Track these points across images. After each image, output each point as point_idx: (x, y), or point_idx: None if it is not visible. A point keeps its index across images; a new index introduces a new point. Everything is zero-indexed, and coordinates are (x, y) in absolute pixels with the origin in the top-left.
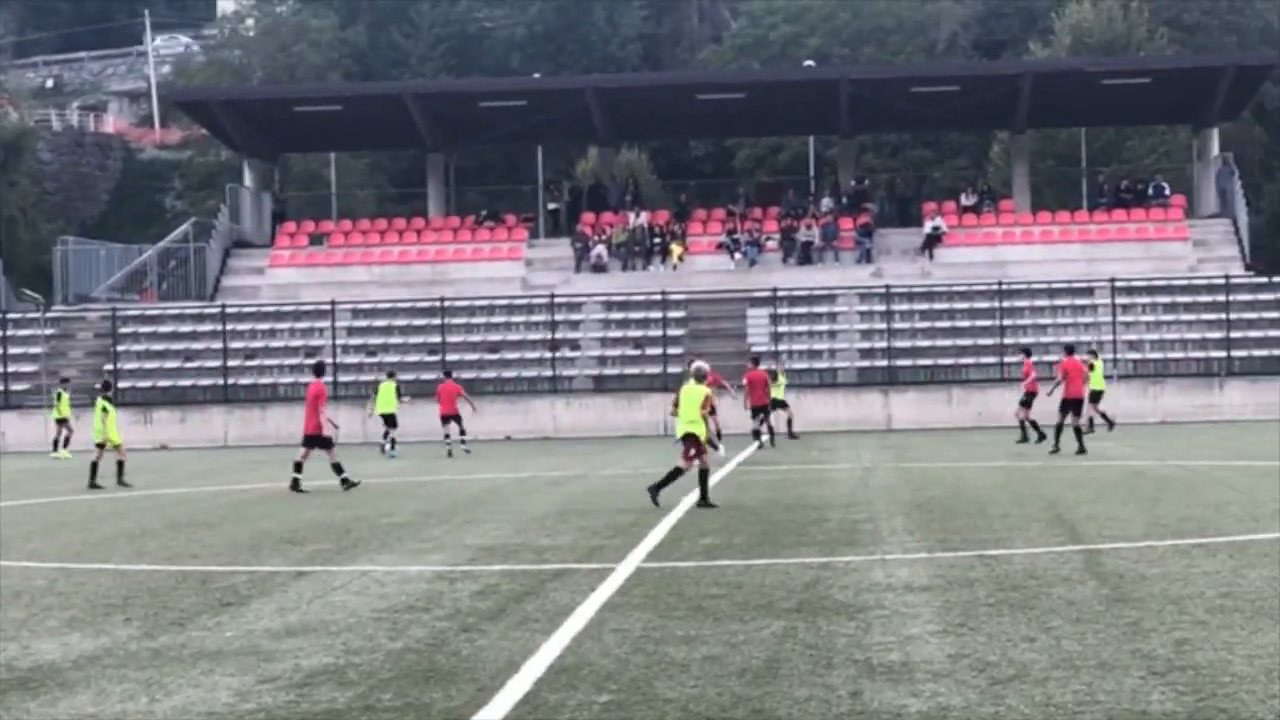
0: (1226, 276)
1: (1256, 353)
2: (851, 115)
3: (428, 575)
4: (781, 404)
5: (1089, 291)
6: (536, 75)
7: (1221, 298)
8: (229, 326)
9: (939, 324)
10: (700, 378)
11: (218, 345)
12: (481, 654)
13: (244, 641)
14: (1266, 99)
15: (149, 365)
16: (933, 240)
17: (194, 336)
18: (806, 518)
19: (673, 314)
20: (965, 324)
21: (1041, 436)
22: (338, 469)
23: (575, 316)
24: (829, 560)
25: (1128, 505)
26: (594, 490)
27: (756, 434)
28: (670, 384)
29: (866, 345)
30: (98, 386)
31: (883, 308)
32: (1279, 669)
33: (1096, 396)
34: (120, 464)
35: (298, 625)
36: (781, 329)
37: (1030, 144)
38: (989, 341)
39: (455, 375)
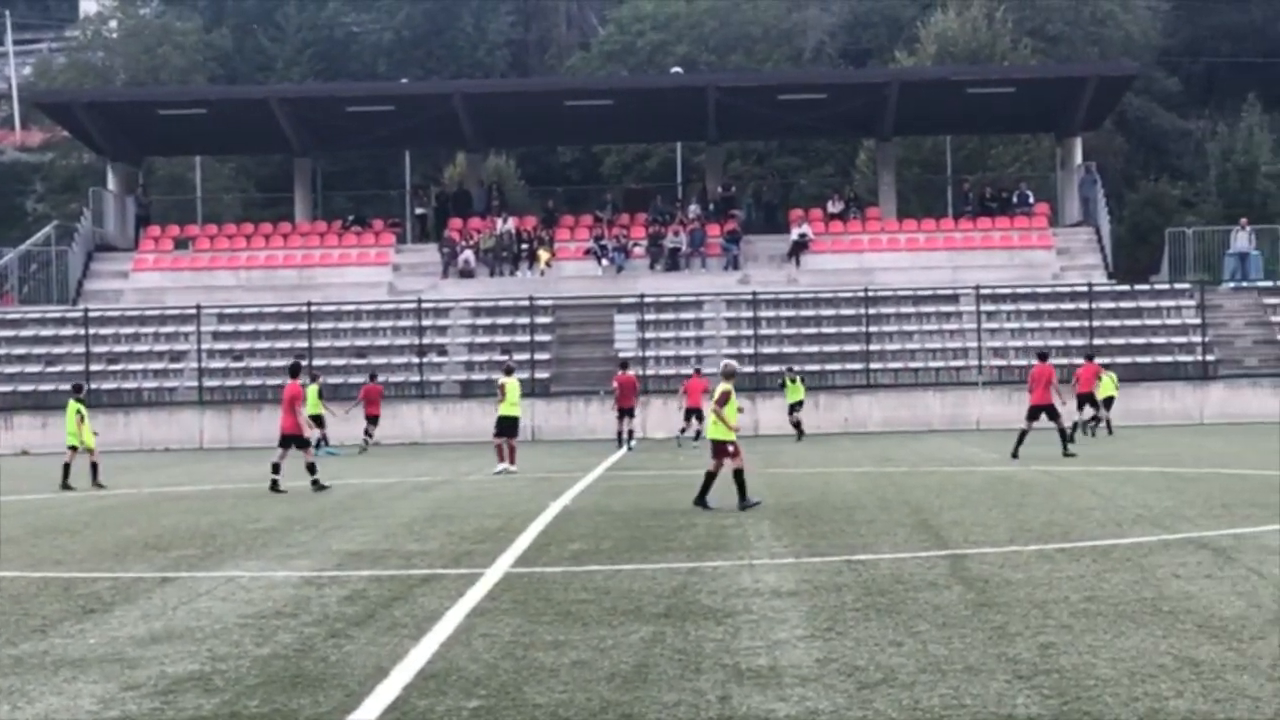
0: (1089, 284)
1: (1119, 359)
2: (719, 122)
3: (295, 581)
4: (798, 404)
5: (954, 299)
6: (404, 80)
7: (1084, 305)
8: (91, 331)
9: (805, 330)
10: (729, 375)
11: (80, 349)
12: (349, 660)
13: (107, 649)
14: (1128, 109)
15: (9, 369)
16: (799, 247)
17: (56, 340)
18: (674, 523)
19: (540, 320)
20: (831, 330)
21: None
22: (311, 469)
23: (443, 322)
24: (697, 565)
25: (992, 510)
26: (462, 495)
27: (620, 436)
28: (538, 389)
29: (733, 351)
30: (70, 389)
31: (749, 314)
32: (1142, 672)
33: (1109, 402)
34: (94, 465)
35: (162, 632)
36: (649, 335)
37: (896, 152)
38: (855, 348)
39: (381, 379)
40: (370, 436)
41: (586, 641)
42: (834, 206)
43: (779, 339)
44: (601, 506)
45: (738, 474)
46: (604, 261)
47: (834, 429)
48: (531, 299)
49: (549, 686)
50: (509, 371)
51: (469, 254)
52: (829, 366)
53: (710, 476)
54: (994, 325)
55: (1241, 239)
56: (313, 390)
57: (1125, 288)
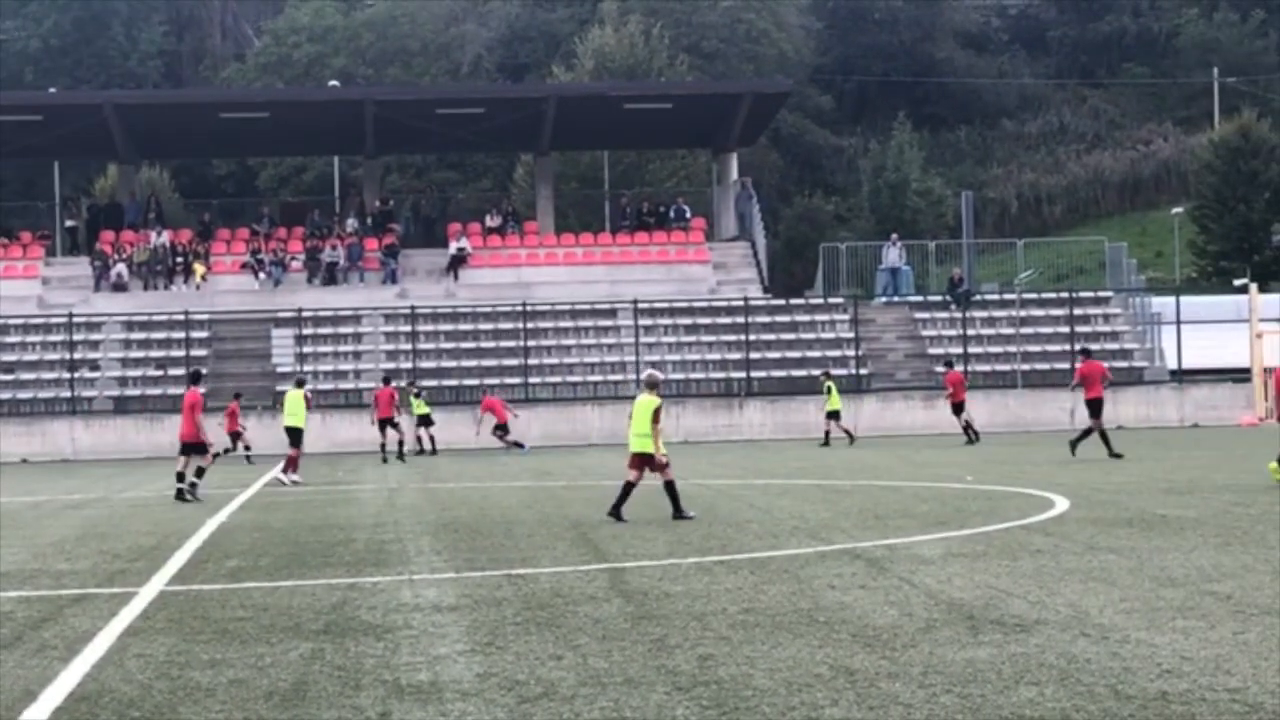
0: (745, 298)
1: (775, 373)
2: (377, 136)
3: None
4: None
5: (612, 313)
6: (52, 90)
7: (741, 319)
8: None
9: (464, 345)
10: (651, 386)
11: None
12: None
13: None
14: (783, 126)
15: None
16: (458, 261)
17: None
18: (333, 538)
19: (196, 334)
20: (490, 345)
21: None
22: (199, 473)
23: (95, 336)
24: (356, 581)
25: (651, 524)
26: (116, 514)
27: (383, 449)
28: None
29: (392, 366)
30: None
31: (408, 328)
32: (798, 681)
33: (835, 415)
34: None
35: None
36: (307, 349)
37: (554, 166)
38: (513, 362)
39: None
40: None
41: (244, 659)
42: (492, 221)
43: (438, 353)
44: (259, 523)
45: (669, 485)
46: (261, 275)
47: (495, 443)
48: (187, 313)
49: (205, 706)
50: (300, 384)
51: (122, 267)
52: (488, 380)
53: (630, 486)
54: (652, 339)
55: (893, 254)
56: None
57: (780, 302)
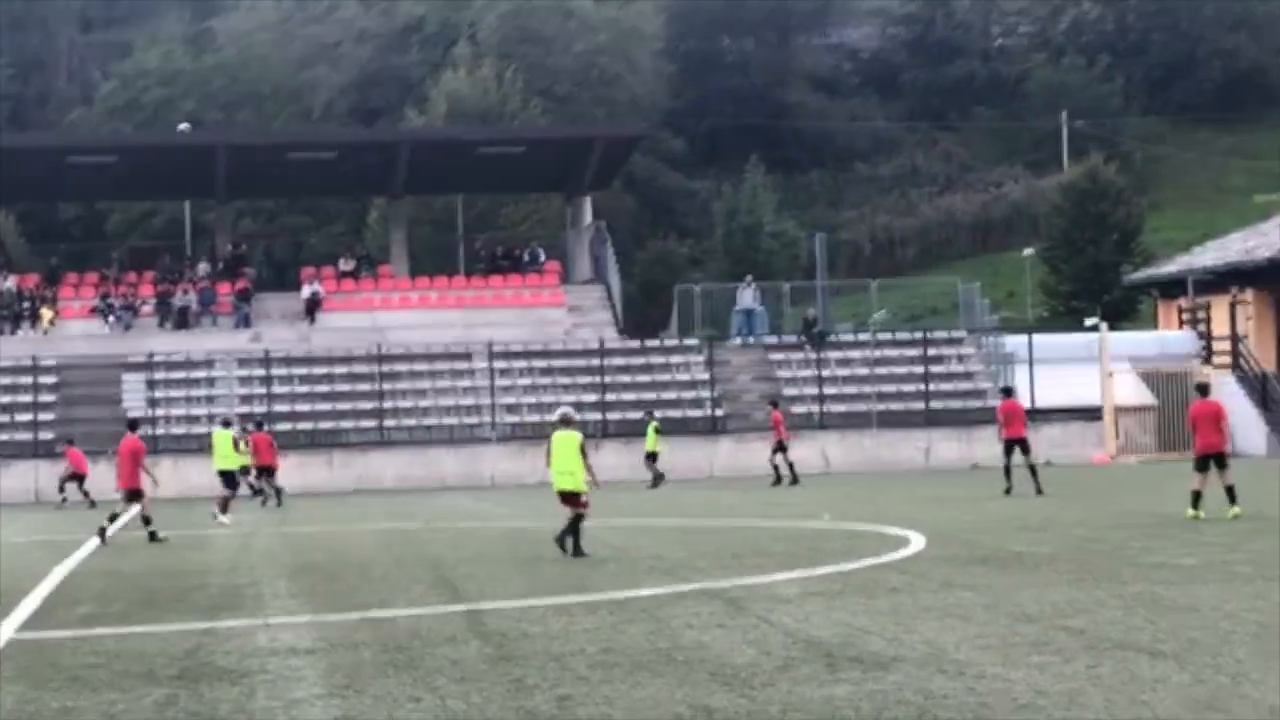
0: (601, 341)
1: (630, 415)
2: (228, 180)
3: None
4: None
5: (467, 356)
6: None
7: (596, 361)
8: None
9: (319, 389)
10: (567, 422)
11: None
12: None
13: None
14: (636, 169)
15: None
16: (312, 305)
17: None
18: (188, 583)
19: (44, 379)
20: (345, 388)
21: (794, 480)
22: (146, 521)
23: None
24: (211, 626)
25: (508, 565)
26: None
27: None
28: (41, 450)
29: (245, 410)
30: None
31: (262, 372)
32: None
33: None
34: None
35: None
36: (159, 394)
37: (408, 210)
38: (369, 405)
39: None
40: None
41: (96, 707)
42: (346, 264)
43: (291, 397)
44: (110, 568)
45: (578, 519)
46: (111, 320)
47: (349, 486)
48: (34, 358)
49: None
50: (226, 424)
51: None
52: (343, 424)
53: (579, 518)
54: (507, 382)
55: (747, 296)
56: None
57: (636, 344)
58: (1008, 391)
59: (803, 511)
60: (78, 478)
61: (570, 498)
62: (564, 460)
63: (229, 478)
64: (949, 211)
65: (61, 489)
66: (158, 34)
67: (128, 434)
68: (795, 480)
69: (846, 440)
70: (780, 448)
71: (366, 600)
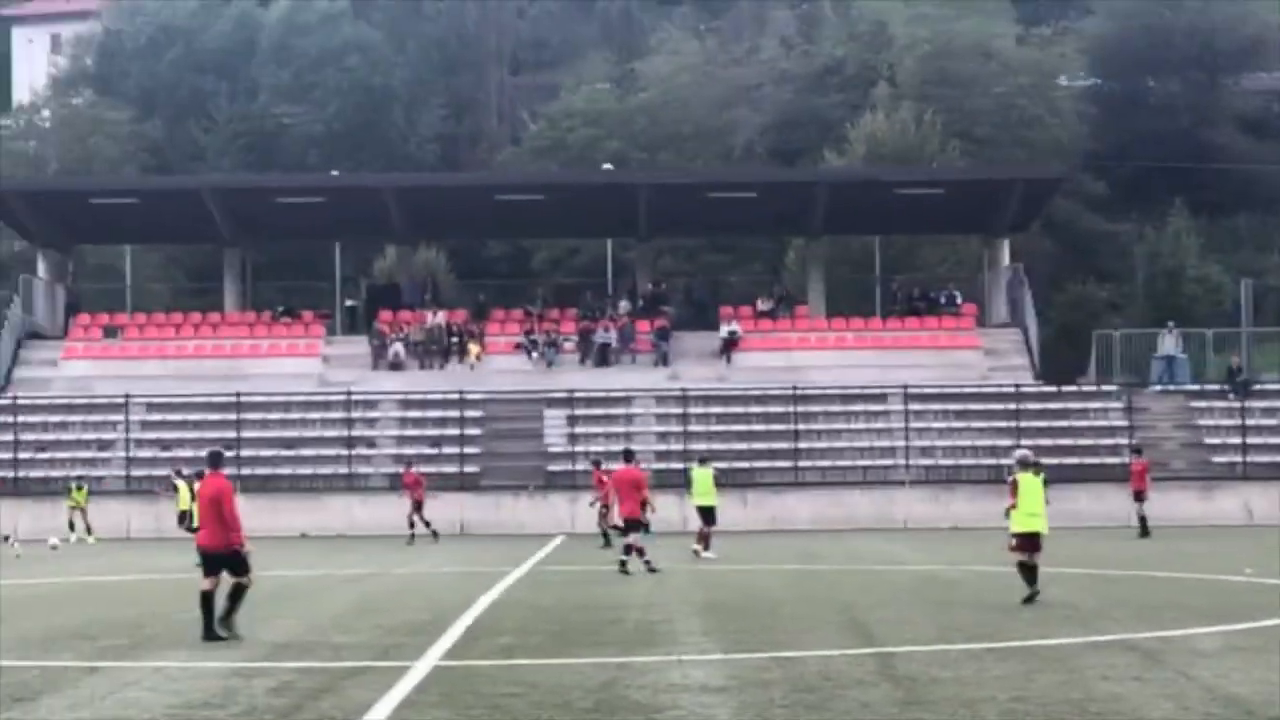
0: (1016, 385)
1: (1045, 460)
2: (649, 219)
3: (222, 672)
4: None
5: (882, 398)
6: (335, 172)
7: (1012, 406)
8: (20, 419)
9: (734, 428)
10: (1029, 464)
11: (8, 437)
12: None
13: None
14: (1056, 211)
15: None
16: (729, 344)
17: None
18: (604, 617)
19: (469, 413)
20: (760, 428)
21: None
22: (633, 551)
23: (372, 414)
24: (626, 660)
25: (920, 609)
26: (390, 588)
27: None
28: (466, 483)
29: (663, 448)
30: None
31: (679, 410)
32: None
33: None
34: None
35: None
36: (578, 430)
37: (825, 251)
38: (783, 446)
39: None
40: (415, 524)
41: None
42: (763, 304)
43: (707, 436)
44: (530, 601)
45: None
46: (534, 356)
47: (762, 526)
48: (461, 393)
49: None
50: (702, 461)
51: (399, 346)
52: (757, 464)
53: (1024, 566)
54: (921, 425)
55: (1168, 342)
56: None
57: (1052, 389)
58: None
59: (1223, 564)
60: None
61: (1034, 540)
62: (1032, 502)
63: (708, 513)
64: None
65: (413, 524)
66: (584, 76)
67: (624, 464)
68: (1145, 533)
69: (1271, 492)
70: (1138, 496)
71: (777, 640)
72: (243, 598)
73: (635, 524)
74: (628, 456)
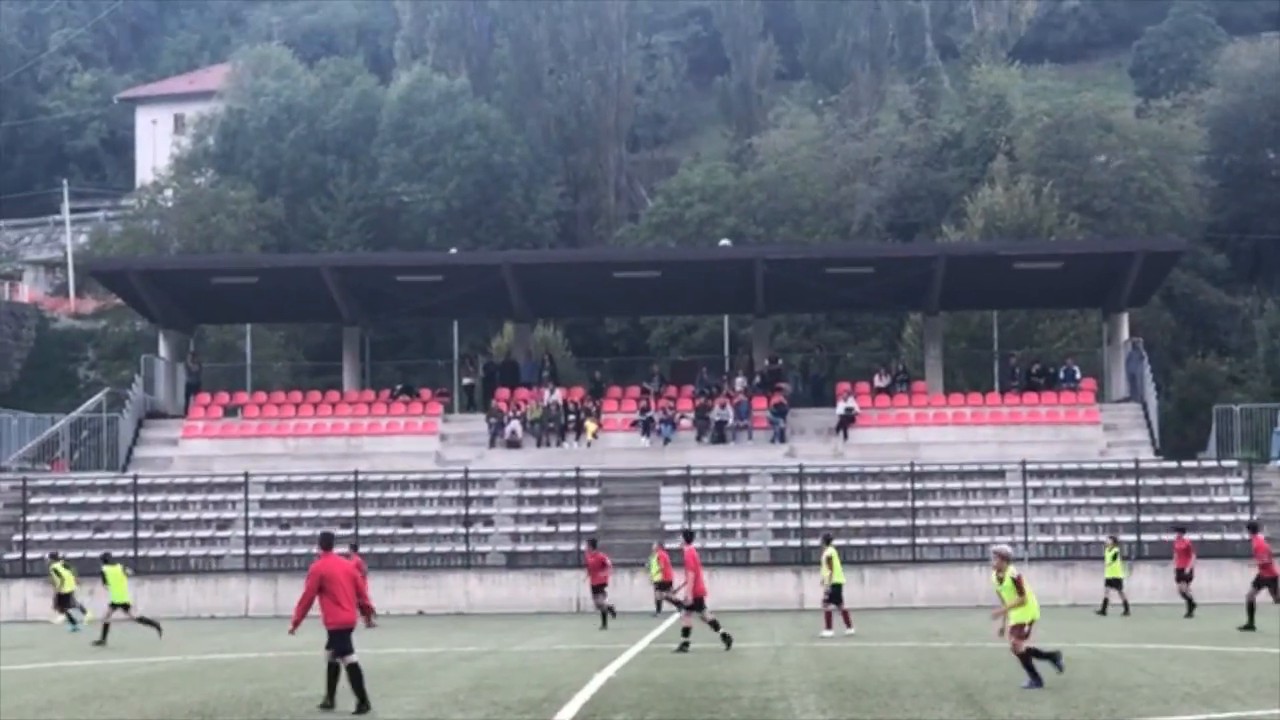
0: (1136, 460)
1: (1166, 537)
2: (766, 295)
3: None
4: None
5: (1000, 474)
6: (453, 250)
7: (1131, 481)
8: (140, 498)
9: (851, 504)
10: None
11: (129, 516)
12: None
13: None
14: (1175, 284)
15: (59, 535)
16: (846, 421)
17: (105, 507)
18: (719, 694)
19: (586, 491)
20: (877, 505)
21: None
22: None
23: (489, 492)
24: None
25: (1038, 688)
26: (507, 666)
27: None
28: (583, 560)
29: (779, 525)
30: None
31: (796, 487)
32: None
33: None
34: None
35: None
36: (695, 508)
37: (943, 326)
38: (901, 523)
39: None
40: (600, 607)
41: None
42: (881, 380)
43: (825, 513)
44: (646, 678)
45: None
46: (650, 433)
47: (880, 603)
48: (578, 470)
49: None
50: (828, 540)
51: (516, 424)
52: (875, 541)
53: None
54: (1040, 501)
55: None
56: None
57: (1173, 465)
58: None
59: None
60: (597, 587)
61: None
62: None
63: (835, 591)
64: None
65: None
66: (701, 152)
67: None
68: (1189, 613)
69: None
70: (1181, 575)
71: (896, 718)
72: (361, 678)
73: (702, 602)
74: (688, 537)
